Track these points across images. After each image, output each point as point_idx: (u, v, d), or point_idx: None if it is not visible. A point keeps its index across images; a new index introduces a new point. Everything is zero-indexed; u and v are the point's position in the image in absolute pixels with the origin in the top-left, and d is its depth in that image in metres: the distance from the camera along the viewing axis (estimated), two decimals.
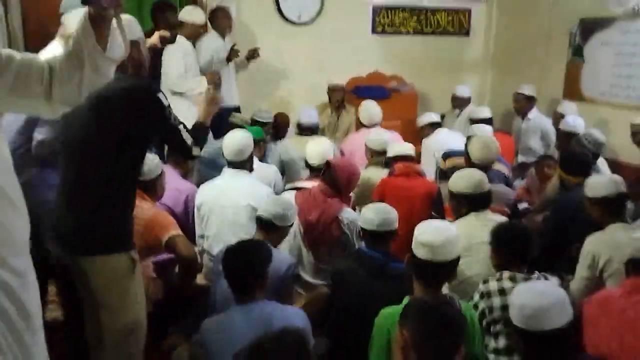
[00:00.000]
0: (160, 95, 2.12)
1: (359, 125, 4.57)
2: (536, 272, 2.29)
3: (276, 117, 4.68)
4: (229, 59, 4.81)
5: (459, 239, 2.11)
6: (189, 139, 2.22)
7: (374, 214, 2.55)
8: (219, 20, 4.90)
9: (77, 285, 2.13)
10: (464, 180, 2.83)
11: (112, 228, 2.11)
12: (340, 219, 2.96)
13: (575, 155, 3.54)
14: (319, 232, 2.94)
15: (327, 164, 3.11)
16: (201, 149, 2.33)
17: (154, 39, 4.28)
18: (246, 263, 2.15)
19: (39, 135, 2.60)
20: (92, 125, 2.05)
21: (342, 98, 5.27)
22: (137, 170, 2.21)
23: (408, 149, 3.74)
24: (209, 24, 4.96)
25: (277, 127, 4.70)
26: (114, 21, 1.55)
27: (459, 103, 5.55)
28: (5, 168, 1.55)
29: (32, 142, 2.61)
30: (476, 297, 2.27)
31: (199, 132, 2.33)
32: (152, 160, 2.77)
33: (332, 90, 5.26)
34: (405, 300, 2.08)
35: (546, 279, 2.26)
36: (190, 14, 4.55)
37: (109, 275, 2.08)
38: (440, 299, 1.76)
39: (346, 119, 5.31)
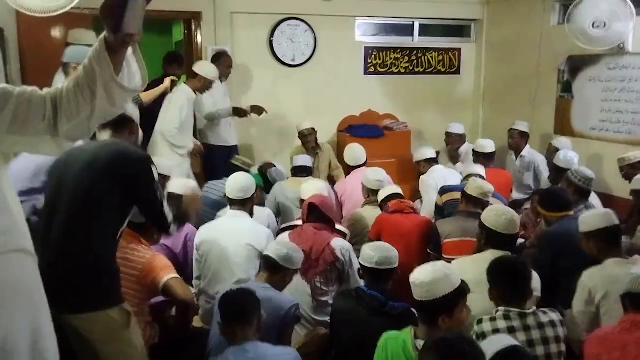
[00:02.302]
0: (153, 168, 2.12)
1: (347, 167, 4.60)
2: (533, 307, 2.27)
3: (262, 167, 4.71)
4: (237, 114, 5.01)
5: (450, 277, 2.07)
6: (170, 214, 2.19)
7: (374, 252, 2.56)
8: (221, 66, 4.92)
9: (71, 341, 2.06)
10: (494, 215, 2.74)
11: (101, 283, 2.08)
12: (332, 246, 2.99)
13: (550, 192, 3.63)
14: (314, 260, 2.97)
15: (309, 207, 3.13)
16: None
17: (167, 83, 4.40)
18: (235, 311, 2.17)
19: None
20: (82, 187, 2.05)
21: (314, 140, 5.22)
22: (122, 224, 2.18)
23: (395, 188, 3.77)
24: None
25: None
26: (129, 50, 1.44)
27: (453, 140, 5.54)
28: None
29: None
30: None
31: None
32: None
33: (303, 136, 5.18)
34: (407, 329, 2.09)
35: (545, 314, 2.24)
36: (203, 68, 4.57)
37: (103, 331, 2.04)
38: (461, 338, 1.71)
39: (324, 158, 5.29)
